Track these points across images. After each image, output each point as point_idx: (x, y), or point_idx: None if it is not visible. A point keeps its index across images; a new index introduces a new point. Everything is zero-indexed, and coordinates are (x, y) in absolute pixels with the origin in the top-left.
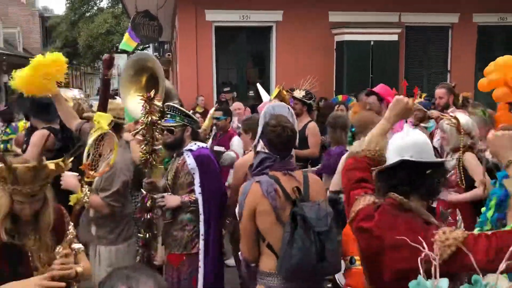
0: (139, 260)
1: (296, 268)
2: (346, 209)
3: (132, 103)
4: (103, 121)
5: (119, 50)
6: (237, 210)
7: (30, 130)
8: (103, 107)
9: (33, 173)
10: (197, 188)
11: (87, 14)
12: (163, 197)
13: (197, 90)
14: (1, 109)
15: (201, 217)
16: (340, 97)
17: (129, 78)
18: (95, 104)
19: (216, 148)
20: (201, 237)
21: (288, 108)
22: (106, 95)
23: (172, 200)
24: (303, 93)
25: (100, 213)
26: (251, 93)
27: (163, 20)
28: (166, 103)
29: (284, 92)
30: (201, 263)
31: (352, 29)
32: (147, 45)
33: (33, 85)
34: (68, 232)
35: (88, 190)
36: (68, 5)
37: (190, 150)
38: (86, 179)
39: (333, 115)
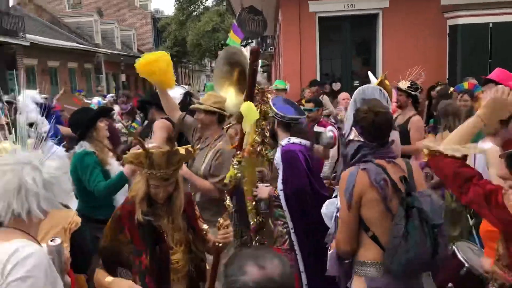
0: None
1: (410, 263)
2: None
3: (226, 97)
4: (252, 110)
5: (224, 47)
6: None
7: (148, 122)
8: (250, 97)
9: (166, 157)
10: (279, 184)
11: (194, 14)
12: (257, 187)
13: (301, 82)
14: (127, 109)
15: (286, 214)
16: (465, 85)
17: (221, 72)
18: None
19: (316, 128)
20: (291, 235)
21: (380, 89)
22: (253, 85)
23: (262, 191)
24: (408, 83)
25: (207, 197)
26: (356, 83)
27: (265, 14)
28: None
29: (387, 82)
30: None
31: (467, 11)
32: (250, 41)
33: (144, 72)
34: (196, 212)
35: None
36: (176, 5)
37: (282, 145)
38: (238, 159)
39: (442, 102)
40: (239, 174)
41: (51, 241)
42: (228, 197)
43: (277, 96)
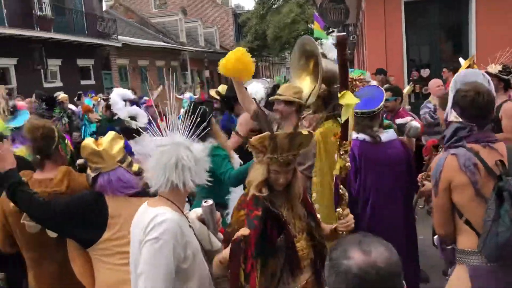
0: None
1: (502, 248)
2: None
3: (303, 88)
4: (351, 98)
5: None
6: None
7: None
8: (345, 87)
9: (289, 140)
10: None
11: (274, 6)
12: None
13: (386, 69)
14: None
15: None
16: None
17: (297, 63)
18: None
19: (399, 121)
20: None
21: (483, 74)
22: (346, 75)
23: None
24: (499, 67)
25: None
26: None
27: (347, 2)
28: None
29: (475, 67)
30: None
31: None
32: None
33: (233, 70)
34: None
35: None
36: (257, 0)
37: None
38: (345, 149)
39: None
40: (348, 164)
41: (204, 202)
42: (341, 186)
43: (369, 85)
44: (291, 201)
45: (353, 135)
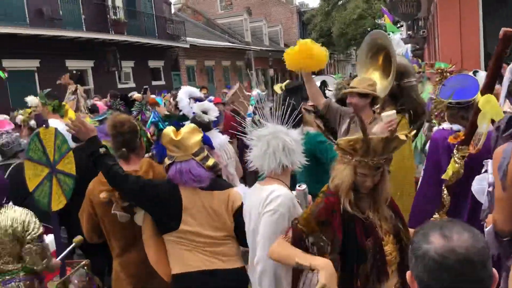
0: None
1: None
2: None
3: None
4: (493, 105)
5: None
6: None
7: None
8: (490, 89)
9: (384, 144)
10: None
11: (340, 3)
12: None
13: (461, 63)
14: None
15: None
16: None
17: (365, 57)
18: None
19: None
20: None
21: None
22: (495, 74)
23: None
24: None
25: None
26: None
27: None
28: None
29: None
30: None
31: None
32: (400, 25)
33: (297, 63)
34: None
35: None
36: None
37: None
38: (462, 154)
39: None
40: (462, 170)
41: (298, 186)
42: (445, 191)
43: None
44: (376, 203)
45: (445, 125)
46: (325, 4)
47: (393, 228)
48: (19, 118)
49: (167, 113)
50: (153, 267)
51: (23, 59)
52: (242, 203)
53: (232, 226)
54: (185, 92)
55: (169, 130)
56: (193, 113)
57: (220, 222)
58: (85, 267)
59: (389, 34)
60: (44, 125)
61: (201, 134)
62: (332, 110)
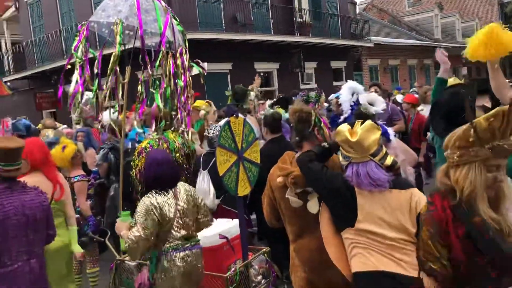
0: None
1: None
2: None
3: None
4: None
5: None
6: None
7: None
8: None
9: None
10: None
11: None
12: None
13: None
14: None
15: None
16: None
17: None
18: None
19: None
20: None
21: None
22: None
23: None
24: None
25: None
26: None
27: None
28: None
29: None
30: None
31: None
32: None
33: (482, 51)
34: None
35: None
36: None
37: None
38: None
39: None
40: None
41: None
42: None
43: None
44: (497, 201)
45: None
46: None
47: None
48: (202, 113)
49: None
50: (329, 258)
51: (218, 62)
52: None
53: (414, 229)
54: (348, 88)
55: (344, 128)
56: (354, 106)
57: (399, 223)
58: (265, 254)
59: None
60: (234, 115)
61: (379, 132)
62: None
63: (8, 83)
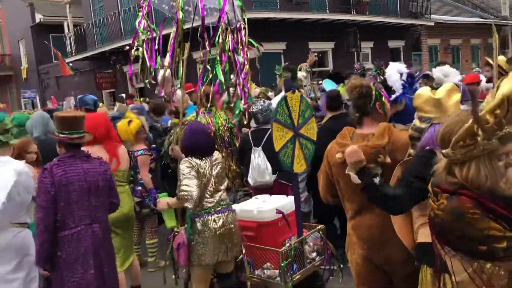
0: None
1: None
2: None
3: None
4: None
5: None
6: None
7: None
8: None
9: None
10: None
11: None
12: None
13: None
14: None
15: None
16: None
17: None
18: None
19: None
20: None
21: None
22: None
23: None
24: None
25: None
26: None
27: None
28: None
29: None
30: None
31: None
32: None
33: None
34: None
35: None
36: None
37: None
38: None
39: None
40: None
41: None
42: None
43: None
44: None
45: None
46: None
47: None
48: (256, 91)
49: None
50: (389, 235)
51: (272, 42)
52: None
53: None
54: (393, 69)
55: (425, 89)
56: (405, 84)
57: None
58: (320, 232)
59: None
60: (291, 90)
61: (459, 94)
62: None
63: (71, 64)
